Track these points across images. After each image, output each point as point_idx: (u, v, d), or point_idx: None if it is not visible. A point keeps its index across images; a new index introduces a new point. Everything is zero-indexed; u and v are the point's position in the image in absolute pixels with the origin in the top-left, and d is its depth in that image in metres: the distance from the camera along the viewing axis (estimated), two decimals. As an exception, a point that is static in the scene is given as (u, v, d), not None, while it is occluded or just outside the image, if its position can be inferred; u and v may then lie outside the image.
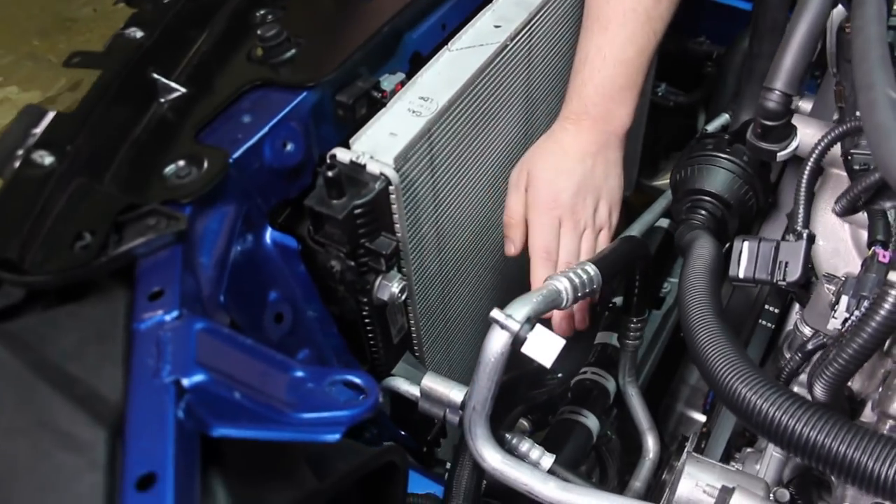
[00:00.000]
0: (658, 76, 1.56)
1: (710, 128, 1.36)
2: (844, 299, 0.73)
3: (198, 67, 0.87)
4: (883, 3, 0.69)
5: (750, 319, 1.11)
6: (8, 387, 0.57)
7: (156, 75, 0.83)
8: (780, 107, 0.73)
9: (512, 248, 0.98)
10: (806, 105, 1.19)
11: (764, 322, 1.09)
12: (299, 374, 0.62)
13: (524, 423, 1.14)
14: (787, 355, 0.91)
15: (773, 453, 0.92)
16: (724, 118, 1.36)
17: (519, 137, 1.04)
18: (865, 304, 0.72)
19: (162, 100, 0.82)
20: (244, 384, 0.57)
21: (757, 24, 1.03)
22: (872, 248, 0.77)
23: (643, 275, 1.02)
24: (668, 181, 1.74)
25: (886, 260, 0.74)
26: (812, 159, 0.76)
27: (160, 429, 0.52)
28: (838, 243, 0.91)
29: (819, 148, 0.75)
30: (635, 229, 1.14)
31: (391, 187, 0.77)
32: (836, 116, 0.96)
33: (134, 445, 0.52)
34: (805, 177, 0.76)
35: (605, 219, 1.02)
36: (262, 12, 0.94)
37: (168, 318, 0.59)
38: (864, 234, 0.84)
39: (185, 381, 0.54)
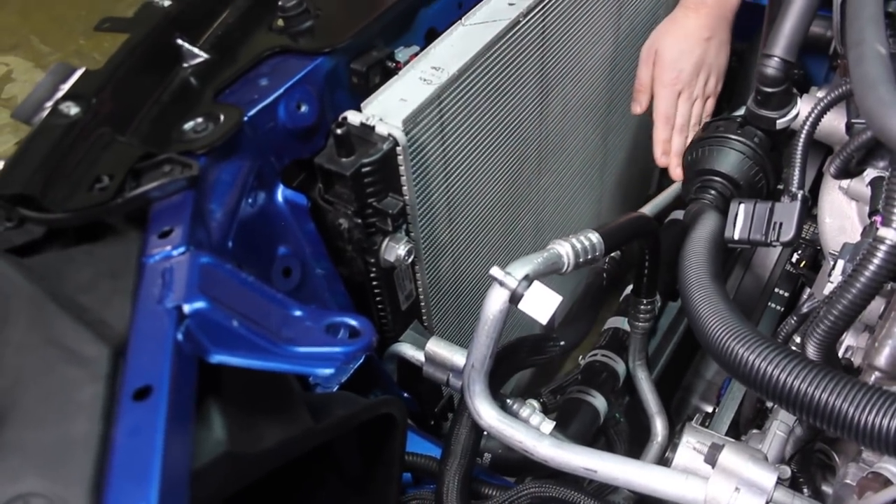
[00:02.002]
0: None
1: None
2: (840, 263, 0.73)
3: (221, 37, 0.90)
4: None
5: (761, 302, 1.11)
6: (21, 308, 0.60)
7: (181, 41, 0.87)
8: (778, 73, 0.74)
9: (638, 109, 1.24)
10: (822, 94, 1.19)
11: (774, 305, 1.09)
12: (297, 312, 0.64)
13: (535, 403, 1.15)
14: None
15: (777, 432, 0.92)
16: (743, 110, 1.36)
17: (534, 113, 1.06)
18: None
19: (185, 65, 0.86)
20: (243, 315, 0.60)
21: (772, 17, 1.04)
22: (872, 217, 0.78)
23: (652, 254, 1.02)
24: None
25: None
26: (809, 122, 0.77)
27: (159, 349, 0.55)
28: (844, 221, 0.92)
29: (816, 111, 0.76)
30: (646, 209, 1.15)
31: (398, 148, 0.79)
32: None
33: (134, 362, 0.55)
34: (802, 138, 0.77)
35: (713, 88, 1.25)
36: (287, -10, 0.97)
37: (175, 252, 0.62)
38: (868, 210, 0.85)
39: (186, 307, 0.57)
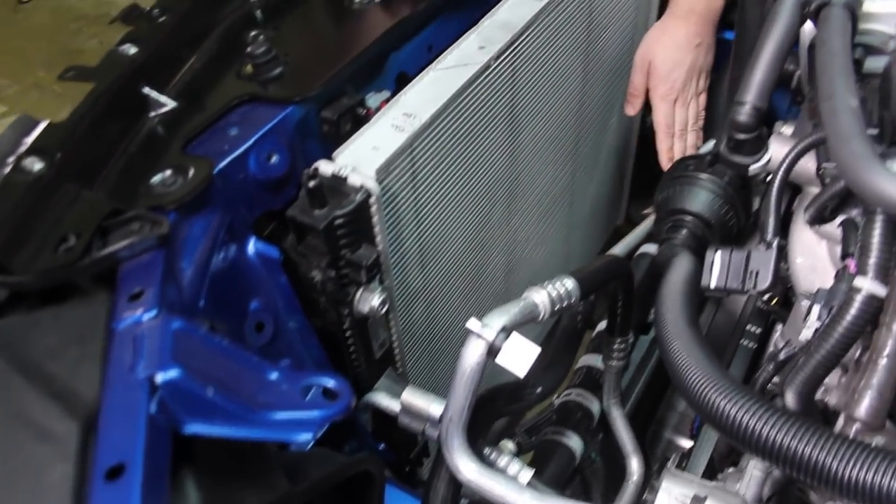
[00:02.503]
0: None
1: (704, 148, 1.38)
2: (816, 308, 0.74)
3: (189, 84, 0.89)
4: (847, 19, 0.71)
5: (733, 339, 1.12)
6: (-15, 381, 0.58)
7: (147, 90, 0.85)
8: (751, 119, 0.75)
9: (632, 111, 1.37)
10: (787, 130, 1.21)
11: (746, 342, 1.10)
12: (273, 375, 0.63)
13: (510, 444, 1.14)
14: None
15: (754, 472, 0.92)
16: (712, 143, 1.38)
17: (505, 154, 1.06)
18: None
19: (152, 114, 0.85)
20: (218, 382, 0.58)
21: (738, 52, 1.06)
22: (845, 260, 0.79)
23: (625, 295, 1.02)
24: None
25: (855, 270, 0.76)
26: (783, 169, 0.77)
27: (132, 422, 0.53)
28: (816, 260, 0.92)
29: (789, 158, 0.77)
30: (618, 249, 1.16)
31: (372, 199, 0.78)
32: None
33: (105, 438, 0.53)
34: (776, 186, 0.78)
35: (703, 86, 1.34)
36: (254, 33, 0.96)
37: (146, 317, 0.60)
38: (839, 249, 0.86)
39: (159, 377, 0.55)
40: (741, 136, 0.76)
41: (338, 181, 0.78)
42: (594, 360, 1.21)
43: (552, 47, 1.07)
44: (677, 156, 1.37)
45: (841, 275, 0.76)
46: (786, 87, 1.31)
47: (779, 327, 1.04)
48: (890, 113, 0.75)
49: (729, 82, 1.10)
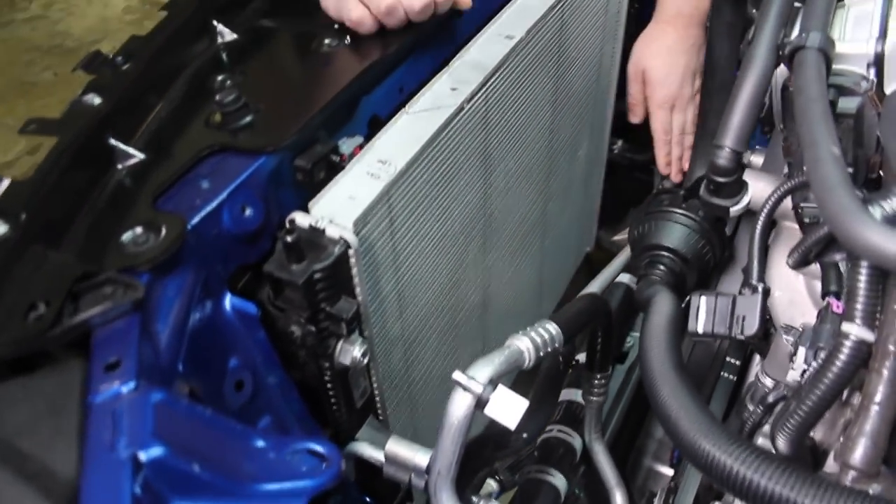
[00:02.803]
0: (614, 133, 1.59)
1: (668, 183, 1.39)
2: (802, 350, 0.74)
3: (156, 133, 0.87)
4: (822, 64, 0.72)
5: (712, 372, 1.12)
6: (-45, 466, 0.55)
7: (113, 141, 0.83)
8: (730, 163, 0.75)
9: (636, 119, 1.40)
10: (757, 159, 1.22)
11: (726, 374, 1.10)
12: (260, 443, 0.61)
13: (492, 483, 1.13)
14: (750, 407, 0.92)
15: (740, 508, 0.92)
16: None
17: (479, 193, 1.05)
18: (822, 354, 0.73)
19: (119, 166, 0.82)
20: (203, 456, 0.56)
21: (706, 84, 1.06)
22: (826, 298, 0.79)
23: (605, 332, 1.02)
24: (626, 236, 1.77)
25: (840, 310, 0.76)
26: (764, 214, 0.78)
27: (115, 505, 0.51)
28: (794, 294, 0.92)
29: (770, 203, 0.77)
30: (595, 285, 1.15)
31: (351, 251, 0.77)
32: (785, 170, 0.99)
33: (88, 525, 0.51)
34: (758, 231, 0.78)
35: (698, 87, 1.30)
36: (221, 78, 0.94)
37: (124, 389, 0.58)
38: (818, 285, 0.86)
39: (142, 456, 0.53)
40: (721, 180, 0.76)
41: (315, 233, 0.77)
42: (573, 394, 1.20)
43: (523, 84, 1.07)
44: (675, 160, 1.39)
45: (824, 315, 0.76)
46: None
47: (757, 358, 1.04)
48: (864, 152, 0.76)
49: (699, 115, 1.11)
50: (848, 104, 0.76)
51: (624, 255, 1.24)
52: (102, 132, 0.83)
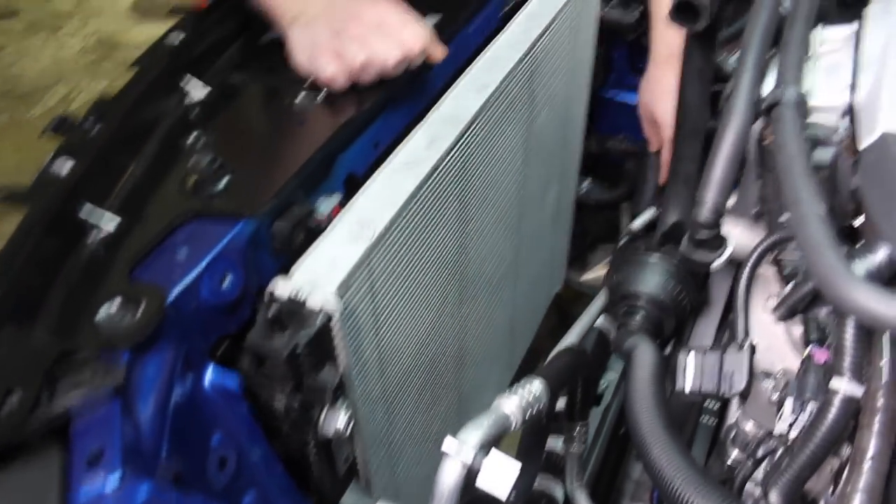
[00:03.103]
0: (581, 173, 1.60)
1: (637, 224, 1.39)
2: (789, 402, 0.74)
3: (129, 200, 0.85)
4: (799, 118, 0.73)
5: (692, 415, 1.12)
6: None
7: (86, 209, 0.81)
8: (712, 218, 0.75)
9: (653, 148, 1.45)
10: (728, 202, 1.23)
11: (706, 418, 1.10)
12: (250, 530, 0.59)
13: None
14: (733, 453, 0.92)
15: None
16: (650, 213, 1.40)
17: (455, 245, 1.04)
18: (809, 406, 0.73)
19: (93, 235, 0.80)
20: (194, 551, 0.54)
21: (678, 129, 1.07)
22: (808, 347, 0.79)
23: (586, 383, 1.02)
24: (596, 275, 1.78)
25: (822, 361, 0.76)
26: (747, 270, 0.78)
27: None
28: (772, 339, 0.93)
29: (752, 259, 0.78)
30: (573, 335, 1.14)
31: (333, 320, 0.75)
32: (755, 210, 1.00)
33: None
34: (742, 287, 0.78)
35: None
36: (193, 136, 0.93)
37: (108, 487, 0.56)
38: (796, 329, 0.87)
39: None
40: (703, 234, 0.76)
41: (296, 304, 0.75)
42: (553, 442, 1.20)
43: (497, 133, 1.07)
44: None
45: (807, 365, 0.76)
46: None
47: (735, 401, 1.04)
48: (839, 202, 0.77)
49: (671, 159, 1.12)
50: (823, 155, 0.77)
51: (600, 300, 1.23)
52: (74, 201, 0.81)
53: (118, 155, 0.89)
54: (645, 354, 0.89)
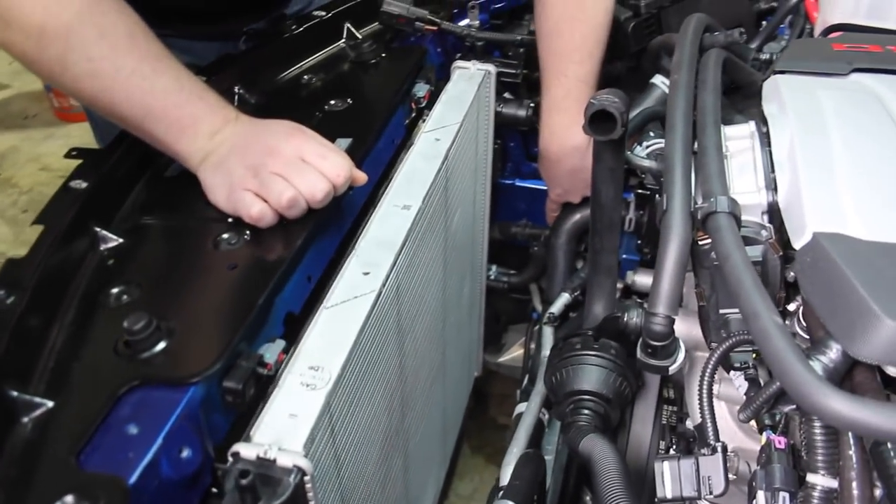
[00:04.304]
0: (489, 259, 1.63)
1: (555, 309, 1.42)
2: (761, 495, 0.75)
3: (57, 372, 0.79)
4: (735, 225, 0.77)
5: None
6: None
7: (13, 393, 0.75)
8: (665, 328, 0.78)
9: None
10: (642, 279, 1.28)
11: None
12: None
13: None
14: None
15: None
16: (565, 298, 1.43)
17: (396, 363, 1.03)
18: (781, 496, 0.75)
19: (24, 419, 0.74)
20: None
21: (595, 224, 1.11)
22: (764, 433, 0.82)
23: (542, 484, 1.02)
24: (512, 356, 1.80)
25: (783, 446, 0.79)
26: (708, 374, 0.81)
27: None
28: (718, 420, 0.96)
29: (711, 364, 0.80)
30: (522, 438, 1.15)
31: (307, 477, 0.72)
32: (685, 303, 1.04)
33: None
34: (705, 391, 0.80)
35: None
36: (115, 292, 0.88)
37: None
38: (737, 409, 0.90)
39: None
40: (658, 344, 0.79)
41: (264, 464, 0.72)
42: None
43: (423, 249, 1.07)
44: None
45: (769, 452, 0.79)
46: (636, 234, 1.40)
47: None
48: (771, 291, 0.81)
49: (589, 251, 1.15)
50: (752, 252, 0.81)
51: (537, 395, 1.24)
52: (-2, 384, 0.75)
53: (37, 328, 0.83)
54: (603, 450, 0.91)
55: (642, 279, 1.29)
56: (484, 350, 1.78)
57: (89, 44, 0.90)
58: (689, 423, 1.03)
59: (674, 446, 1.09)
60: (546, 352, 1.29)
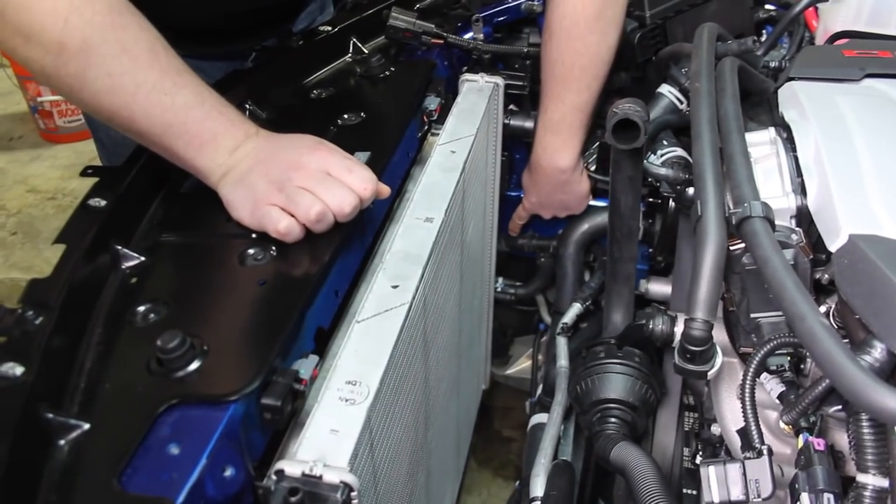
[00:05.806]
0: (497, 272, 1.63)
1: (567, 319, 1.42)
2: (805, 496, 0.75)
3: (89, 392, 0.78)
4: (772, 233, 0.77)
5: None
6: None
7: (47, 414, 0.73)
8: (704, 333, 0.78)
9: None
10: (657, 287, 1.28)
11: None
12: None
13: None
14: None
15: None
16: (577, 308, 1.43)
17: (421, 377, 1.02)
18: (825, 497, 0.75)
19: (61, 441, 0.73)
20: None
21: (613, 233, 1.11)
22: (801, 436, 0.82)
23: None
24: (519, 368, 1.80)
25: (823, 448, 0.79)
26: (749, 378, 0.81)
27: None
28: (750, 426, 0.96)
29: (752, 368, 0.80)
30: (547, 448, 1.14)
31: (353, 493, 0.71)
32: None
33: None
34: (747, 396, 0.81)
35: None
36: (141, 310, 0.87)
37: None
38: (769, 414, 0.90)
39: None
40: (697, 349, 0.79)
41: (310, 481, 0.71)
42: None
43: (444, 260, 1.07)
44: None
45: (809, 454, 0.79)
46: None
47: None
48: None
49: (608, 260, 1.15)
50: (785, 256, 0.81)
51: (559, 407, 1.24)
52: (33, 405, 0.73)
53: (67, 348, 0.82)
54: (637, 457, 0.91)
55: (656, 287, 1.29)
56: (491, 363, 1.77)
57: (110, 59, 0.89)
58: (715, 429, 1.03)
59: (700, 452, 1.09)
60: (563, 362, 1.29)
